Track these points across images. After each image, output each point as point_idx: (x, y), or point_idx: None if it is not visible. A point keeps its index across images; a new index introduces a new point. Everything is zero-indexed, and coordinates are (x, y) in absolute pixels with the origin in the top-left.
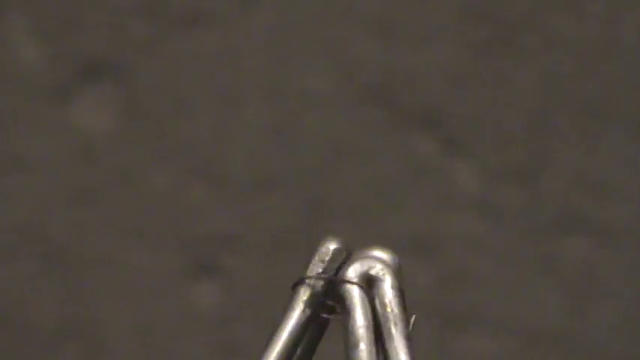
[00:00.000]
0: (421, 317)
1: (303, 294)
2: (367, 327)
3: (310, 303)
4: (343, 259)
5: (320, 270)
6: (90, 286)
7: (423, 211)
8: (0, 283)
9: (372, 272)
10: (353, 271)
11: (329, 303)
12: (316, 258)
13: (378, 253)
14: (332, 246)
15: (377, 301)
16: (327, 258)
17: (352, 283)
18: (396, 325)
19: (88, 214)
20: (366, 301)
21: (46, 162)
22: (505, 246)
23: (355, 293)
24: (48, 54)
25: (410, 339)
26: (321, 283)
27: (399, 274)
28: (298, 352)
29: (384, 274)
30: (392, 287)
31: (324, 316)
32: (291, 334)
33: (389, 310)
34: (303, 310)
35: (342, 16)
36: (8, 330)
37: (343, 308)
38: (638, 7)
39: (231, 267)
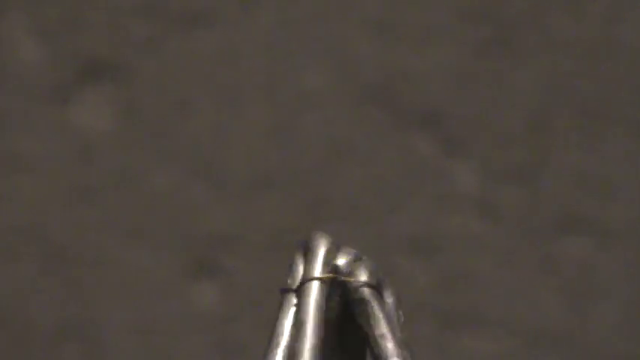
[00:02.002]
0: (421, 317)
1: (310, 294)
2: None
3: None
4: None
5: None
6: (90, 286)
7: (423, 211)
8: (0, 283)
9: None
10: (365, 274)
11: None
12: (318, 258)
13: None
14: (325, 245)
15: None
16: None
17: (369, 285)
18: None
19: (88, 214)
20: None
21: (46, 162)
22: (505, 246)
23: (370, 296)
24: (48, 54)
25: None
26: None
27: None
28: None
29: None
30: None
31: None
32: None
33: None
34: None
35: (342, 16)
36: (8, 330)
37: (362, 312)
38: (638, 7)
39: (231, 267)
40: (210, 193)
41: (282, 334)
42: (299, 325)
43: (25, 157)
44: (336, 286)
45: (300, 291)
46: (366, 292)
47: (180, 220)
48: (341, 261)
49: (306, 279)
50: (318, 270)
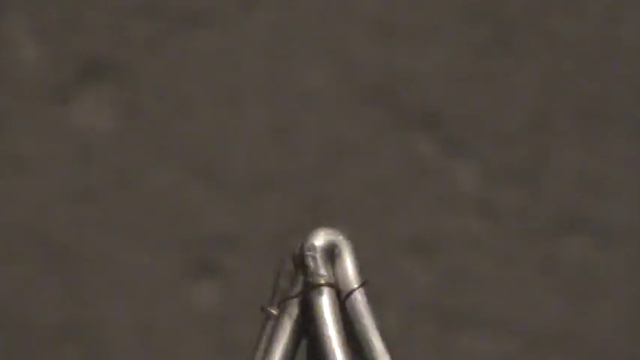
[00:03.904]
0: (421, 317)
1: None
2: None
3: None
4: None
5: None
6: (90, 286)
7: (423, 211)
8: (0, 283)
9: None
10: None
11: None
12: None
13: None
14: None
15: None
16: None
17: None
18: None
19: (88, 214)
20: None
21: (46, 162)
22: (505, 246)
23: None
24: (48, 54)
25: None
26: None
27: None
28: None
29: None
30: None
31: None
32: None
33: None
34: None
35: (342, 16)
36: (8, 330)
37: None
38: (638, 7)
39: (231, 267)
40: (210, 193)
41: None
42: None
43: (25, 157)
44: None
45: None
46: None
47: (180, 220)
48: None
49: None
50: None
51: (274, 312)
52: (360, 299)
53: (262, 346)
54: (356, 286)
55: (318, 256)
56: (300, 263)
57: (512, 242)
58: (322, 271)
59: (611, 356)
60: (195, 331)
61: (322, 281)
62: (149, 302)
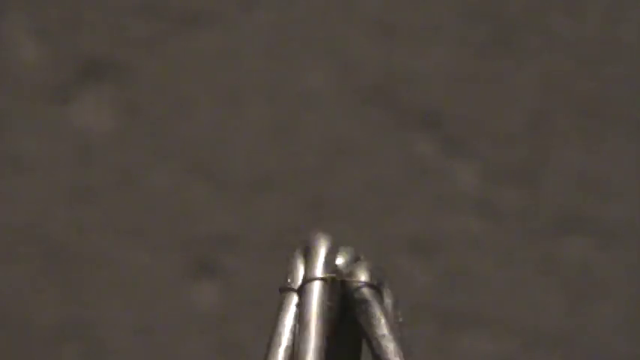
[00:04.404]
0: (421, 317)
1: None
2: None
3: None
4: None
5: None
6: (90, 286)
7: (423, 211)
8: (0, 283)
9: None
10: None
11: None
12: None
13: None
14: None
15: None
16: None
17: (370, 285)
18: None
19: (88, 214)
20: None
21: (46, 162)
22: (505, 246)
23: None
24: (48, 54)
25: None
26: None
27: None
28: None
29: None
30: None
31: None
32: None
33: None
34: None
35: (342, 16)
36: (8, 330)
37: (361, 310)
38: (638, 7)
39: (231, 267)
40: (210, 193)
41: (284, 334)
42: (303, 326)
43: (25, 157)
44: (336, 286)
45: (302, 291)
46: (367, 292)
47: (180, 220)
48: (340, 261)
49: (309, 279)
50: (319, 270)
51: None
52: (309, 293)
53: None
54: (309, 279)
55: (291, 261)
56: None
57: (512, 242)
58: (290, 276)
59: (612, 356)
60: (195, 331)
61: (286, 286)
62: (149, 302)
